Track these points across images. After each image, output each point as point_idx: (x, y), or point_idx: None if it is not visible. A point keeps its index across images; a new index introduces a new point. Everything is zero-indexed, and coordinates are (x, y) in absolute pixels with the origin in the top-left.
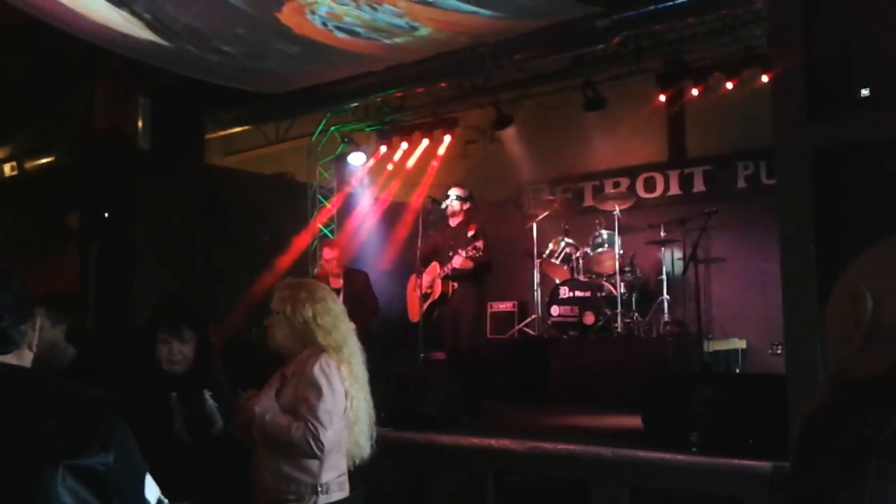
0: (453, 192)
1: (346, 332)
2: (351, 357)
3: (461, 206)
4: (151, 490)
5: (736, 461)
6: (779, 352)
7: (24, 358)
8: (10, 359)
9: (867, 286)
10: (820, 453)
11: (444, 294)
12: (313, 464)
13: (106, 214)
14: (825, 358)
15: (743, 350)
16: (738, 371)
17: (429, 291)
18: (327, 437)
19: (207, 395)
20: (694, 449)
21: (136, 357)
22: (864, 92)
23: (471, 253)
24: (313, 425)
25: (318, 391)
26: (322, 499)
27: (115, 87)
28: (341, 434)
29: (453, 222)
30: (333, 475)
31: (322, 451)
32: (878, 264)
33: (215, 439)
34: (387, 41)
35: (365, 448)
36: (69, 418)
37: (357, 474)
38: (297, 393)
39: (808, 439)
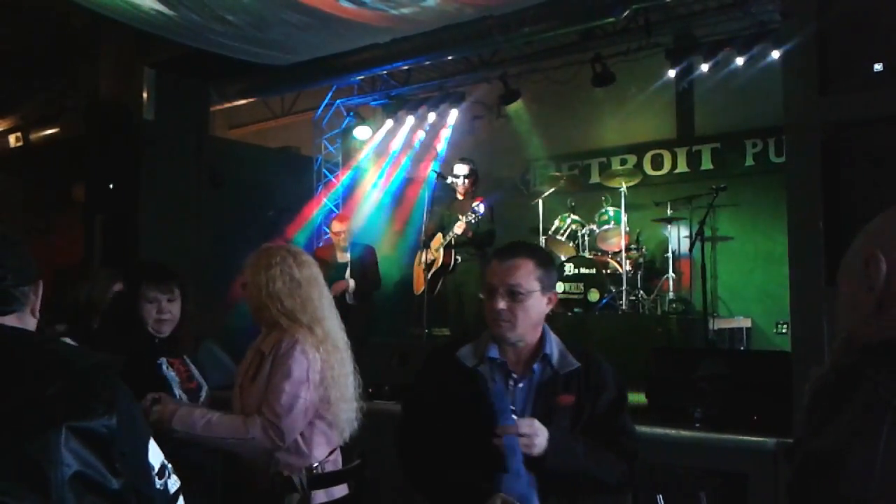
0: (457, 168)
1: (314, 297)
2: (323, 324)
3: (465, 180)
4: (155, 455)
5: (740, 437)
6: (784, 331)
7: (25, 321)
8: (10, 320)
9: (881, 250)
10: (832, 416)
11: (445, 264)
12: (297, 445)
13: (111, 186)
14: (831, 335)
15: (748, 329)
16: (742, 349)
17: (432, 260)
18: (286, 424)
19: (187, 359)
20: (697, 425)
21: (121, 324)
22: (878, 67)
23: (470, 217)
24: (269, 418)
25: (280, 378)
26: (317, 475)
27: (120, 58)
28: (304, 417)
29: (460, 196)
30: (324, 451)
31: (283, 441)
32: (892, 228)
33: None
34: (393, 11)
35: (352, 421)
36: (72, 381)
37: (354, 448)
38: (268, 377)
39: (819, 403)
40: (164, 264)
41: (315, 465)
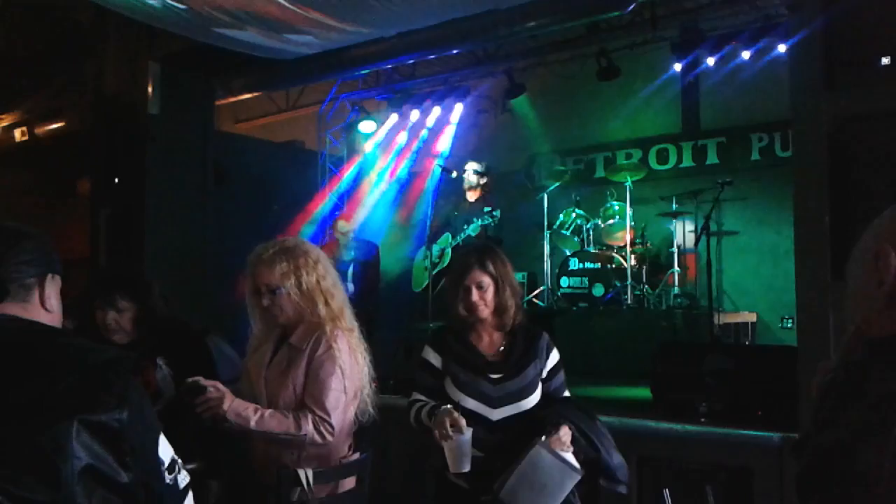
0: (470, 167)
1: (344, 296)
2: (352, 321)
3: (478, 180)
4: (165, 450)
5: (745, 432)
6: (789, 326)
7: (34, 312)
8: (15, 309)
9: (891, 244)
10: (841, 411)
11: (451, 262)
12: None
13: (116, 180)
14: (837, 330)
15: (753, 323)
16: (747, 344)
17: (438, 260)
18: (336, 419)
19: (161, 362)
20: (703, 419)
21: (75, 329)
22: (885, 60)
23: (488, 220)
24: (320, 415)
25: (326, 375)
26: (325, 470)
27: (125, 52)
28: (349, 410)
29: (471, 197)
30: (347, 444)
31: (333, 436)
32: None
33: (164, 408)
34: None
35: (369, 412)
36: (84, 375)
37: (364, 439)
38: (308, 373)
39: (828, 398)
40: (115, 274)
41: (342, 456)
